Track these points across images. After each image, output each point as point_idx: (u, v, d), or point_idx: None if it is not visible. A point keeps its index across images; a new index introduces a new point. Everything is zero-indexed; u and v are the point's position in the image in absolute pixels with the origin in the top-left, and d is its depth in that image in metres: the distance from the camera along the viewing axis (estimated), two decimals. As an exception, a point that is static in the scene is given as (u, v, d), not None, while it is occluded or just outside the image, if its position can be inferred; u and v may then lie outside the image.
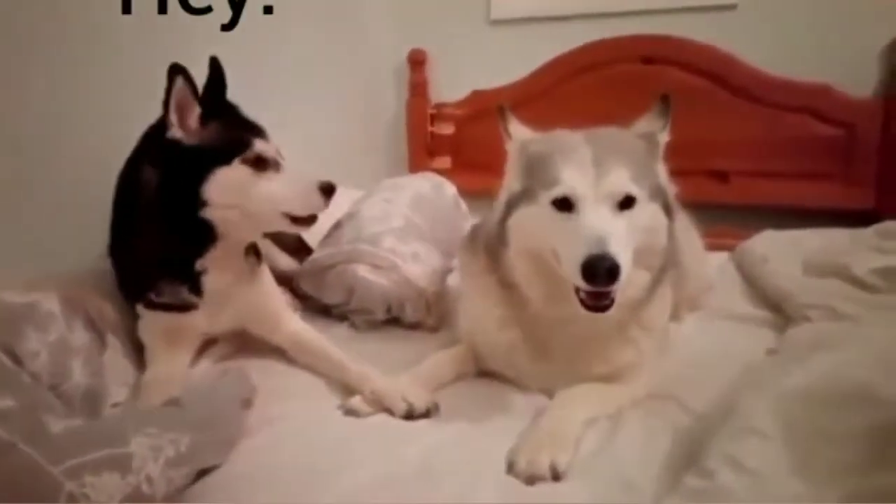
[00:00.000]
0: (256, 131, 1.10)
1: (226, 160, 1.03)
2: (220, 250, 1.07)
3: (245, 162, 1.05)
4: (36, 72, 1.19)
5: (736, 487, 0.75)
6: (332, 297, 1.29)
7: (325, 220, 1.44)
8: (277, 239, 1.39)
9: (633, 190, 0.92)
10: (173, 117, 1.02)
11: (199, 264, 1.07)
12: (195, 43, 1.68)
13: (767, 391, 0.86)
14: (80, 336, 1.02)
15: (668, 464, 0.88)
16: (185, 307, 1.08)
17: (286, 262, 1.39)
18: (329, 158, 2.35)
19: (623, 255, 0.85)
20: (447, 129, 2.49)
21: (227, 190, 1.03)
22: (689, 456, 0.86)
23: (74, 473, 0.72)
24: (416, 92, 2.50)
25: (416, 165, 2.47)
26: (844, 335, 1.03)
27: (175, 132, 1.02)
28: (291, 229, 1.11)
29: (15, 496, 0.70)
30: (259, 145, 1.07)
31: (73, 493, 0.70)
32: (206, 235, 1.05)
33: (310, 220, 1.10)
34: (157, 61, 1.06)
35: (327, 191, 1.09)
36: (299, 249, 1.43)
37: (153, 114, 1.06)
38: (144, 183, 1.03)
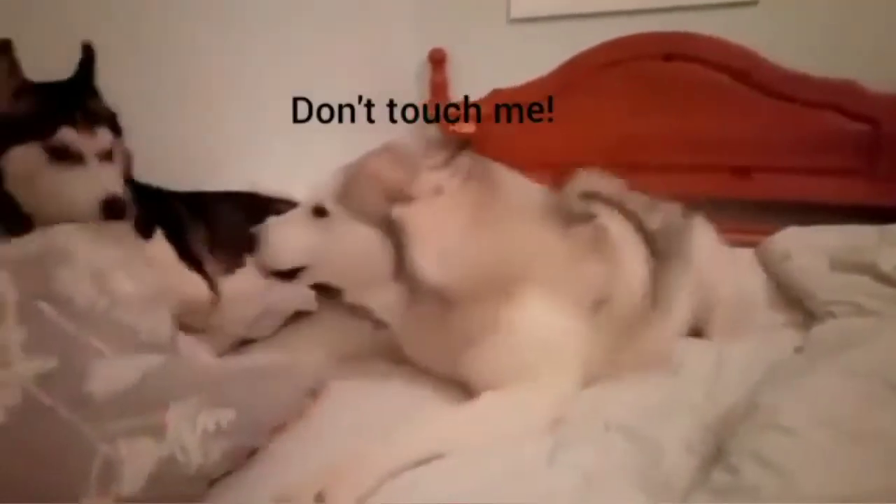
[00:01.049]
0: (79, 120, 1.06)
1: (22, 140, 1.02)
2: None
3: (45, 148, 1.03)
4: None
5: (762, 484, 0.75)
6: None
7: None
8: None
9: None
10: None
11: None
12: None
13: (795, 388, 0.86)
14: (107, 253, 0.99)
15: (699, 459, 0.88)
16: None
17: None
18: (347, 159, 2.38)
19: None
20: (468, 128, 2.50)
21: (19, 170, 1.03)
22: (716, 452, 0.87)
23: (110, 437, 0.73)
24: (437, 91, 2.52)
25: (436, 166, 2.49)
26: (871, 332, 1.02)
27: None
28: (100, 220, 1.06)
29: (51, 457, 0.71)
30: (67, 135, 1.04)
31: (108, 456, 0.72)
32: (14, 209, 1.04)
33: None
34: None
35: (110, 208, 1.04)
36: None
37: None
38: None
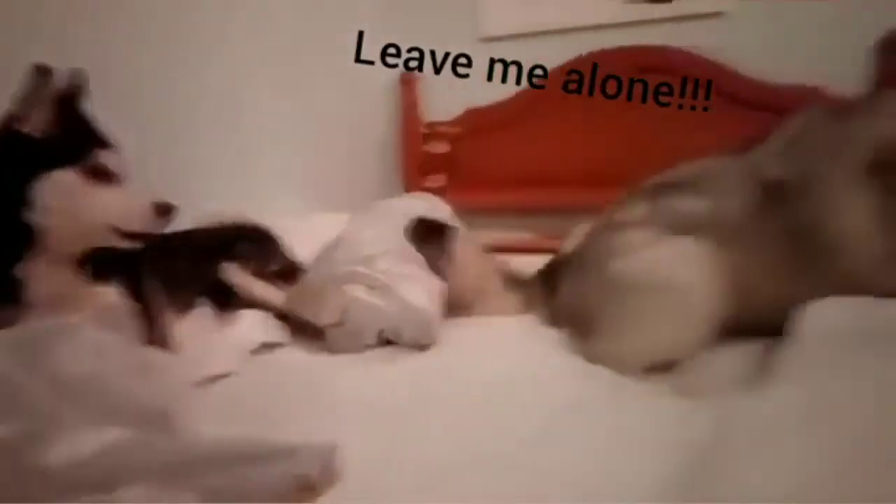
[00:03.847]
0: (101, 142, 1.09)
1: (62, 164, 1.03)
2: (45, 260, 1.05)
3: (83, 170, 1.04)
4: None
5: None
6: (325, 319, 1.28)
7: (317, 241, 1.47)
8: (259, 269, 1.41)
9: None
10: (21, 110, 1.02)
11: (18, 270, 1.04)
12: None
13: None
14: None
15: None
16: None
17: (266, 290, 1.39)
18: (320, 180, 2.37)
19: None
20: (442, 148, 2.50)
21: (57, 194, 1.03)
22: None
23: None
24: (409, 111, 2.51)
25: (410, 185, 2.48)
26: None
27: (18, 125, 1.02)
28: (122, 243, 1.10)
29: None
30: (101, 155, 1.06)
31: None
32: (27, 240, 1.03)
33: (142, 236, 1.10)
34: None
35: (163, 211, 1.09)
36: (287, 275, 1.43)
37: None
38: None
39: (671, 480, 0.83)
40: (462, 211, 1.80)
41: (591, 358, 1.19)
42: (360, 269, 1.26)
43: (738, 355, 1.18)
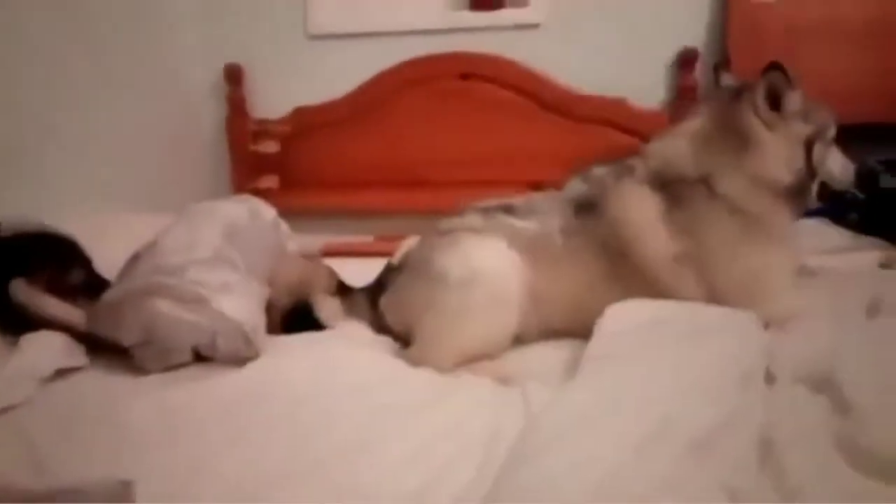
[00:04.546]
0: None
1: None
2: None
3: None
4: None
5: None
6: (128, 338, 1.17)
7: (123, 251, 1.35)
8: (55, 284, 1.26)
9: None
10: None
11: None
12: None
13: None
14: None
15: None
16: None
17: (63, 309, 1.25)
18: (141, 182, 2.19)
19: None
20: (272, 148, 2.41)
21: None
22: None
23: None
24: (236, 109, 2.40)
25: (239, 186, 2.37)
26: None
27: None
28: None
29: None
30: None
31: None
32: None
33: None
34: None
35: None
36: (92, 289, 1.29)
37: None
38: None
39: (483, 476, 0.87)
40: (294, 214, 1.75)
41: (412, 360, 1.21)
42: (168, 280, 1.17)
43: (549, 350, 1.26)
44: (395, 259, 1.42)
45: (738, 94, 1.28)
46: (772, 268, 1.24)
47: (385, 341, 1.33)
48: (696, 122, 1.32)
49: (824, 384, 0.96)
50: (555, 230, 1.28)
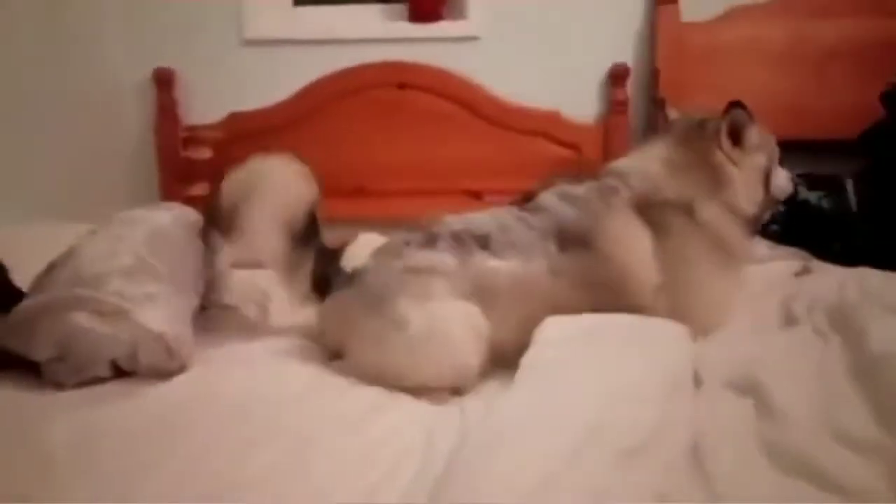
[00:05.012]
0: None
1: None
2: None
3: None
4: None
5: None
6: (40, 353, 1.10)
7: (42, 262, 1.27)
8: None
9: None
10: None
11: None
12: None
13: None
14: None
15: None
16: None
17: None
18: (62, 190, 2.09)
19: None
20: (204, 154, 2.33)
21: None
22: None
23: None
24: (165, 114, 2.31)
25: (169, 194, 2.27)
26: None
27: None
28: None
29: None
30: None
31: None
32: None
33: None
34: None
35: None
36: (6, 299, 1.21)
37: None
38: None
39: (420, 489, 0.86)
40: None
41: (353, 375, 1.17)
42: (86, 292, 1.11)
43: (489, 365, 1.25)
44: (348, 260, 1.31)
45: (700, 128, 1.32)
46: (733, 291, 1.31)
47: (313, 350, 1.28)
48: (662, 150, 1.34)
49: (749, 388, 0.99)
50: (540, 271, 1.20)
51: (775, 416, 0.91)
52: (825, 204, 1.87)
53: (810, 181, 1.94)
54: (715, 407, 0.98)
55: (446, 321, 1.15)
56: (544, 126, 2.22)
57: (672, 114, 1.46)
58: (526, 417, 0.94)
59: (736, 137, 1.29)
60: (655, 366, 1.05)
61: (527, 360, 1.09)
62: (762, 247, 1.78)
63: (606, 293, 1.21)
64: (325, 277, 1.27)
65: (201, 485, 0.87)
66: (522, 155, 2.19)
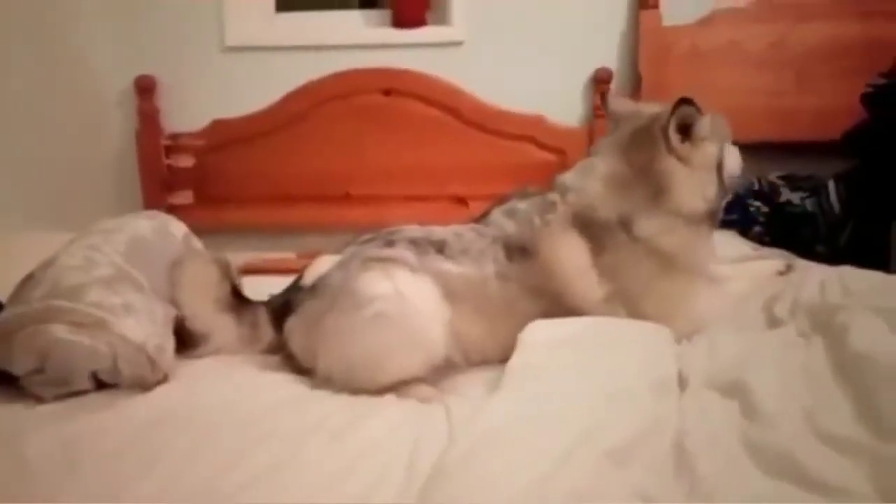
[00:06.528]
0: None
1: None
2: None
3: None
4: None
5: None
6: (20, 368, 1.08)
7: (23, 272, 1.25)
8: None
9: None
10: None
11: None
12: None
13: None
14: None
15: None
16: None
17: None
18: (43, 198, 2.06)
19: None
20: (187, 162, 2.32)
21: None
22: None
23: None
24: (147, 122, 2.30)
25: (152, 202, 2.26)
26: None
27: None
28: None
29: None
30: None
31: None
32: None
33: None
34: None
35: None
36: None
37: None
38: None
39: (408, 493, 0.85)
40: (211, 230, 1.69)
41: (325, 382, 1.16)
42: (65, 303, 1.09)
43: (473, 369, 1.25)
44: (307, 279, 1.29)
45: (648, 131, 1.30)
46: (687, 294, 1.29)
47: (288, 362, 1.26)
48: (607, 163, 1.33)
49: (734, 389, 0.99)
50: (490, 276, 1.23)
51: (760, 417, 0.91)
52: (808, 205, 1.89)
53: (792, 182, 1.96)
54: (700, 408, 0.98)
55: (410, 295, 1.16)
56: (529, 131, 2.22)
57: (614, 104, 1.44)
58: (514, 420, 0.94)
59: (686, 133, 1.28)
60: (641, 368, 1.05)
61: (513, 363, 1.09)
62: (746, 247, 1.79)
63: (551, 302, 1.24)
64: (286, 304, 1.27)
65: (184, 496, 0.86)
66: (508, 160, 2.20)
